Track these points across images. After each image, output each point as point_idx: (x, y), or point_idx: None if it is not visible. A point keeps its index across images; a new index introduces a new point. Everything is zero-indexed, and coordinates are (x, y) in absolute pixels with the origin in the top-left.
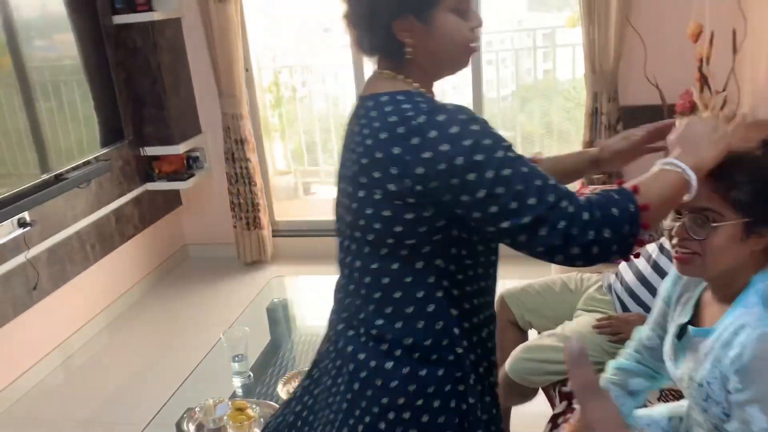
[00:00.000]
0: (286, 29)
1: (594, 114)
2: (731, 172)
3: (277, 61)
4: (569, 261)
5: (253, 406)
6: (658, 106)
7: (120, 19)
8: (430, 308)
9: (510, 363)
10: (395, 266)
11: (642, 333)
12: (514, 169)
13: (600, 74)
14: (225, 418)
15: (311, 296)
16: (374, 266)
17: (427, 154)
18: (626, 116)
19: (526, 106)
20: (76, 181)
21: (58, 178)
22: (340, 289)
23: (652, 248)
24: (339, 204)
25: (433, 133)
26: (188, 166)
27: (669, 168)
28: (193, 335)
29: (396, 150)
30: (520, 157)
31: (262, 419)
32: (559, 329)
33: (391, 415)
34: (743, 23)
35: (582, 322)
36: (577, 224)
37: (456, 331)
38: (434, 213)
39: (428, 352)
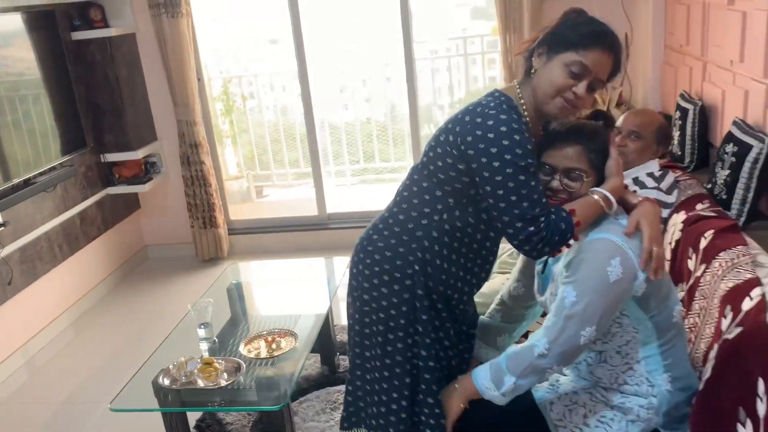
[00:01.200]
0: (234, 41)
1: None
2: (585, 139)
3: (225, 71)
4: (529, 252)
5: (219, 361)
6: None
7: (78, 35)
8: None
9: None
10: (425, 185)
11: (507, 288)
12: (526, 177)
13: (516, 76)
14: (195, 371)
15: (263, 278)
16: (415, 188)
17: (478, 132)
18: None
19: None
20: (43, 185)
21: (27, 182)
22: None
23: None
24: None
25: (490, 122)
26: (146, 170)
27: (596, 196)
28: (156, 326)
29: (464, 120)
30: (535, 174)
31: (225, 373)
32: None
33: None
34: (630, 28)
35: (496, 281)
36: (547, 232)
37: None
38: (465, 168)
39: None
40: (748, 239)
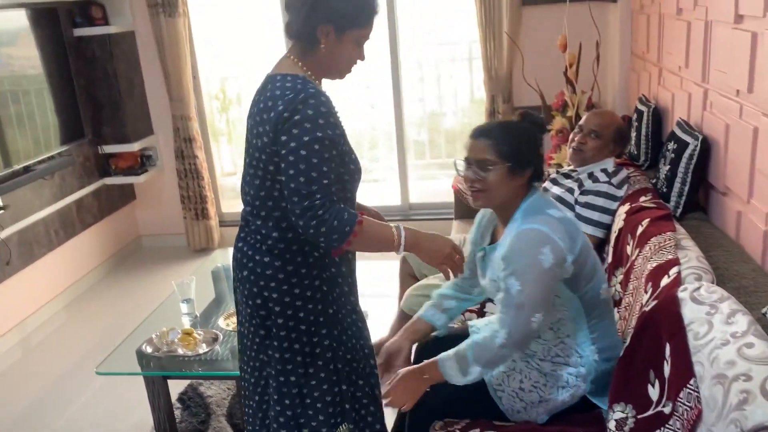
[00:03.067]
0: (232, 41)
1: (492, 114)
2: (498, 134)
3: (222, 71)
4: (300, 228)
5: (199, 332)
6: (539, 106)
7: (80, 32)
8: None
9: (403, 299)
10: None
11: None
12: (319, 160)
13: (495, 80)
14: (176, 340)
15: None
16: (261, 193)
17: (286, 114)
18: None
19: (468, 111)
20: (42, 172)
21: (27, 169)
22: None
23: None
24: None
25: (304, 107)
26: (142, 163)
27: (394, 228)
28: (146, 310)
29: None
30: (331, 159)
31: (204, 343)
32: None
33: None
34: (599, 36)
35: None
36: (322, 216)
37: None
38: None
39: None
40: (678, 226)
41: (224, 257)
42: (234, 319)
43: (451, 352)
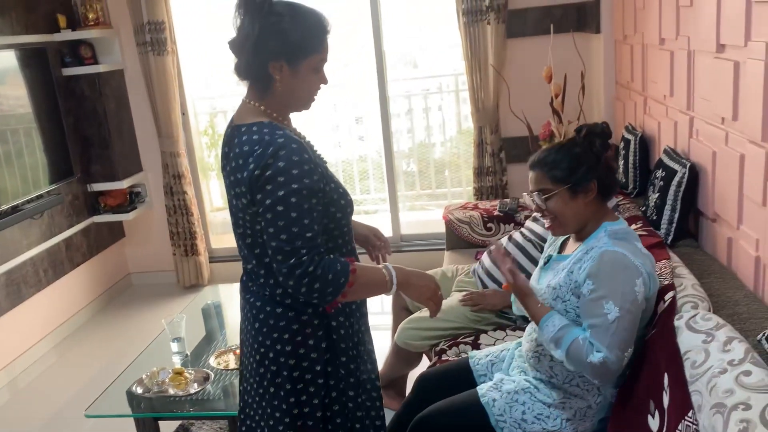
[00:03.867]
0: (220, 77)
1: (480, 144)
2: (550, 160)
3: (211, 106)
4: (290, 288)
5: (190, 371)
6: (526, 136)
7: (69, 71)
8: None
9: (397, 333)
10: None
11: None
12: (299, 213)
13: (482, 112)
14: (167, 380)
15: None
16: (256, 251)
17: (258, 172)
18: (507, 146)
19: (456, 142)
20: (30, 212)
21: (15, 209)
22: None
23: (505, 240)
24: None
25: (275, 160)
26: (131, 200)
27: (383, 268)
28: (137, 349)
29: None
30: (311, 208)
31: (195, 383)
32: None
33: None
34: (584, 67)
35: (453, 298)
36: (313, 272)
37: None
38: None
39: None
40: (672, 254)
41: (214, 294)
42: (225, 357)
43: (557, 319)
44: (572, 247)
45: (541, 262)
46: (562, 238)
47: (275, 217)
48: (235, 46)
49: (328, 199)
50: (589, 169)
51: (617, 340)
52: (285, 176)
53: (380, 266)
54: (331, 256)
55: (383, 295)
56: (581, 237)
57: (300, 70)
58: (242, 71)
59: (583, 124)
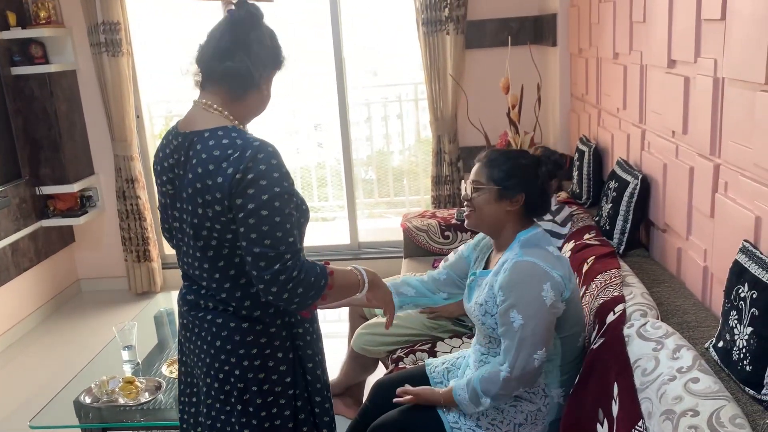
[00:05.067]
0: (177, 80)
1: (438, 153)
2: (492, 158)
3: (168, 111)
4: (271, 296)
5: (141, 380)
6: (484, 146)
7: (18, 70)
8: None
9: (354, 338)
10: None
11: (436, 272)
12: (282, 217)
13: (441, 121)
14: (116, 389)
15: None
16: (220, 263)
17: (238, 176)
18: (465, 155)
19: (415, 150)
20: None
21: None
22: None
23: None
24: (176, 219)
25: (255, 163)
26: (82, 204)
27: (353, 269)
28: (86, 357)
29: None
30: (290, 213)
31: (146, 392)
32: None
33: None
34: (540, 79)
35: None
36: (298, 276)
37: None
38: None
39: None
40: (622, 263)
41: (167, 301)
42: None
43: (462, 382)
44: (494, 261)
45: (468, 281)
46: (486, 255)
47: (259, 221)
48: (219, 50)
49: (297, 209)
50: (523, 182)
51: (527, 344)
52: (267, 179)
53: (350, 268)
54: (309, 259)
55: None
56: (501, 248)
57: (269, 81)
58: (219, 76)
59: (548, 147)
